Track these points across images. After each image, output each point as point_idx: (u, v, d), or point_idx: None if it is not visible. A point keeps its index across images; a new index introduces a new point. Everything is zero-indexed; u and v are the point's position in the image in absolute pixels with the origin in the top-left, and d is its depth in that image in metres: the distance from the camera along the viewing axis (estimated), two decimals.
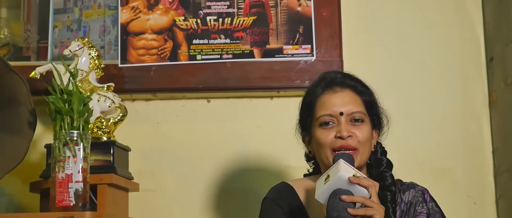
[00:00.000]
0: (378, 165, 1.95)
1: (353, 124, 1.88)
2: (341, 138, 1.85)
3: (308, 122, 1.95)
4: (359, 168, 1.83)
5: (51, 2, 2.69)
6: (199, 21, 2.62)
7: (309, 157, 2.04)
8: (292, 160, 2.58)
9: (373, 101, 1.95)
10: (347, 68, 2.45)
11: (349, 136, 1.86)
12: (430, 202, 1.91)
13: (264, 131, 2.64)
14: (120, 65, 2.59)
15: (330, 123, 1.88)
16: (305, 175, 2.08)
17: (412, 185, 1.95)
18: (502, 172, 2.52)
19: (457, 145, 2.63)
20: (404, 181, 1.98)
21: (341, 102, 1.89)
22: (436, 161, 2.62)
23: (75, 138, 2.09)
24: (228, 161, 2.62)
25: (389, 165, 1.95)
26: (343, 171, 1.69)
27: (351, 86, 1.93)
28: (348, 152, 1.84)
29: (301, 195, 1.93)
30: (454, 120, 2.65)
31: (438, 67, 2.68)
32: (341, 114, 1.87)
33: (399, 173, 2.00)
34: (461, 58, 2.69)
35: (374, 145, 1.95)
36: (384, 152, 1.98)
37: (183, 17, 2.63)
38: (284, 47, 2.60)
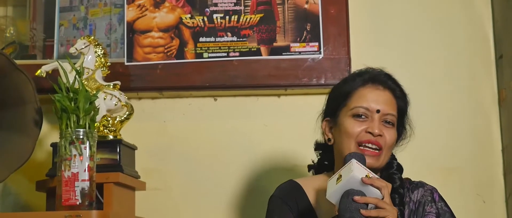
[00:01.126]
0: (387, 167, 1.93)
1: (384, 125, 1.88)
2: (371, 133, 1.84)
3: (338, 109, 1.93)
4: (375, 171, 1.82)
5: (57, 0, 2.68)
6: (205, 18, 2.61)
7: (318, 146, 2.02)
8: (299, 158, 2.57)
9: (405, 110, 1.96)
10: (355, 66, 2.44)
11: (379, 134, 1.85)
12: (439, 201, 1.90)
13: (271, 129, 2.63)
14: (126, 64, 2.58)
15: (363, 117, 1.88)
16: (309, 166, 2.06)
17: (421, 184, 1.94)
18: None
19: (466, 143, 2.62)
20: (412, 180, 1.97)
21: (381, 100, 1.89)
22: (445, 159, 2.61)
23: (81, 137, 2.09)
24: (234, 160, 2.61)
25: (399, 168, 1.95)
26: (356, 171, 1.67)
27: (392, 89, 1.94)
28: (374, 151, 1.84)
29: (309, 194, 1.92)
30: (463, 118, 2.63)
31: (447, 65, 2.66)
32: (378, 111, 1.87)
33: (407, 172, 1.99)
34: (469, 56, 2.67)
35: None
36: (394, 157, 1.97)
37: (189, 15, 2.62)
38: (292, 45, 2.59)
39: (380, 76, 1.94)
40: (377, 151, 1.85)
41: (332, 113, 1.95)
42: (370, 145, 1.84)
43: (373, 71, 1.97)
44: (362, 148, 1.85)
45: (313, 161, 2.07)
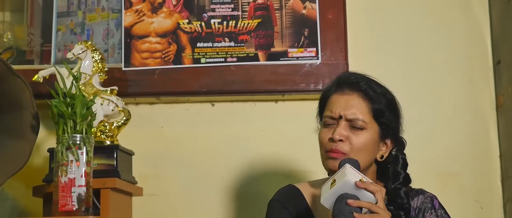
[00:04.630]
0: (394, 178, 1.90)
1: (352, 129, 1.85)
2: (332, 140, 1.83)
3: (320, 119, 1.95)
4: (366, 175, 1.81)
5: (55, 6, 2.68)
6: (203, 24, 2.61)
7: None
8: (297, 164, 2.57)
9: (383, 109, 1.88)
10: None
11: (340, 140, 1.83)
12: (439, 209, 1.89)
13: (269, 134, 2.62)
14: (123, 69, 2.58)
15: (331, 125, 1.87)
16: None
17: (421, 191, 1.94)
18: (510, 176, 2.50)
19: (464, 149, 2.62)
20: (412, 187, 1.96)
21: (345, 105, 1.86)
22: (443, 165, 2.60)
23: (78, 142, 2.08)
24: (232, 165, 2.61)
25: (406, 181, 1.91)
26: (350, 175, 1.68)
27: (361, 91, 1.88)
28: (335, 154, 1.82)
29: (308, 198, 1.92)
30: (461, 123, 2.63)
31: (445, 70, 2.66)
32: (340, 117, 1.85)
33: None
34: (467, 62, 2.67)
35: (383, 155, 1.90)
36: (405, 165, 1.92)
37: (187, 20, 2.62)
38: (289, 50, 2.58)
39: (348, 79, 1.91)
40: (338, 154, 1.82)
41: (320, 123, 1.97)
42: (333, 154, 1.83)
43: (343, 76, 1.95)
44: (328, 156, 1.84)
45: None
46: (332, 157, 1.83)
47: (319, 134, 1.90)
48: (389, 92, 1.92)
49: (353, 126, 1.85)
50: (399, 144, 1.94)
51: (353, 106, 1.86)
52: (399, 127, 1.93)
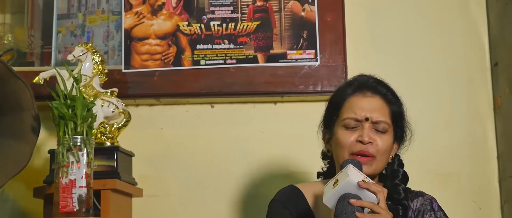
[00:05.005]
0: (393, 176, 1.93)
1: (376, 131, 1.87)
2: (361, 142, 1.85)
3: (333, 120, 1.94)
4: (372, 177, 1.83)
5: (55, 8, 2.69)
6: (202, 26, 2.62)
7: (325, 156, 2.03)
8: (296, 165, 2.58)
9: (400, 113, 1.94)
10: (351, 73, 2.43)
11: (370, 142, 1.85)
12: (438, 211, 1.91)
13: (268, 136, 2.63)
14: (123, 71, 2.59)
15: (354, 127, 1.88)
16: (318, 173, 2.07)
17: (420, 193, 1.95)
18: (507, 177, 2.51)
19: (462, 150, 2.62)
20: (411, 188, 1.97)
21: (369, 108, 1.88)
22: (441, 166, 2.61)
23: (78, 143, 2.09)
24: (232, 167, 2.61)
25: (404, 178, 1.94)
26: (353, 175, 1.69)
27: (382, 94, 1.92)
28: (366, 158, 1.84)
29: (309, 199, 1.93)
30: (459, 125, 2.64)
31: (443, 72, 2.67)
32: (367, 119, 1.86)
33: None
34: (465, 63, 2.68)
35: (392, 157, 1.94)
36: (401, 164, 1.96)
37: (186, 22, 2.63)
38: (288, 52, 2.59)
39: (368, 82, 1.94)
40: (370, 158, 1.85)
41: (328, 124, 1.97)
42: (361, 155, 1.85)
43: (361, 79, 1.97)
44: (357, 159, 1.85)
45: (322, 169, 2.08)
46: (361, 161, 1.83)
47: (338, 134, 1.89)
48: (399, 96, 1.97)
49: (377, 129, 1.87)
50: (399, 147, 1.97)
51: (377, 109, 1.89)
52: (406, 130, 1.97)
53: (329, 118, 1.96)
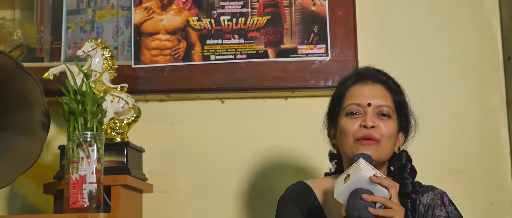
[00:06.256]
0: (401, 170, 1.93)
1: (379, 117, 1.87)
2: (365, 127, 1.84)
3: (335, 112, 1.94)
4: (378, 165, 1.82)
5: (64, 3, 2.68)
6: (212, 21, 2.61)
7: (332, 156, 2.03)
8: (306, 161, 2.57)
9: (403, 101, 1.94)
10: None
11: (373, 126, 1.84)
12: (449, 205, 1.89)
13: (279, 131, 2.62)
14: (133, 66, 2.58)
15: (357, 113, 1.88)
16: (326, 174, 2.06)
17: (431, 188, 1.94)
18: None
19: (474, 146, 2.61)
20: (422, 183, 1.96)
21: (370, 94, 1.89)
22: (453, 161, 2.60)
23: (88, 139, 2.09)
24: (242, 162, 2.61)
25: (413, 172, 1.93)
26: (364, 170, 1.68)
27: (383, 82, 1.93)
28: (370, 141, 1.83)
29: (319, 195, 1.92)
30: (471, 120, 2.62)
31: (454, 66, 2.65)
32: (369, 104, 1.87)
33: None
34: (477, 58, 2.66)
35: (399, 148, 1.94)
36: (409, 159, 1.96)
37: (196, 17, 2.62)
38: (299, 47, 2.58)
39: (367, 72, 1.95)
40: (373, 141, 1.84)
41: (332, 118, 1.97)
42: (367, 140, 1.84)
43: (360, 69, 2.00)
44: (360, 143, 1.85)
45: (330, 169, 2.07)
46: (366, 144, 1.84)
47: (342, 123, 1.89)
48: (401, 86, 1.97)
49: (381, 113, 1.87)
50: (406, 138, 1.97)
51: (379, 95, 1.90)
52: (410, 118, 1.96)
53: (332, 112, 1.97)
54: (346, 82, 1.96)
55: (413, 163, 1.95)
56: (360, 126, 1.85)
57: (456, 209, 1.90)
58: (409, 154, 1.97)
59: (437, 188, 1.95)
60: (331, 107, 1.98)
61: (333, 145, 1.99)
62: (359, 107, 1.88)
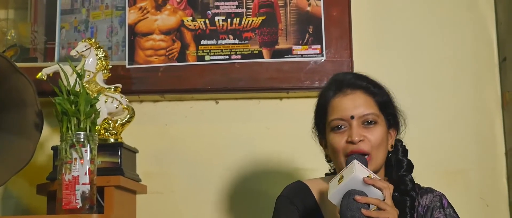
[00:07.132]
0: (398, 166, 1.92)
1: (365, 126, 1.85)
2: (352, 142, 1.83)
3: (321, 126, 1.94)
4: (375, 172, 1.81)
5: (58, 3, 2.68)
6: (207, 21, 2.60)
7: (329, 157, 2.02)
8: (301, 162, 2.56)
9: (387, 101, 1.92)
10: (358, 68, 2.43)
11: (361, 140, 1.83)
12: (448, 208, 1.89)
13: (273, 132, 2.62)
14: (127, 66, 2.58)
15: (342, 127, 1.86)
16: (326, 175, 2.05)
17: (430, 190, 1.94)
18: None
19: (470, 147, 2.60)
20: (421, 185, 1.96)
21: (352, 105, 1.86)
22: (449, 162, 2.59)
23: (82, 140, 2.08)
24: (236, 163, 2.60)
25: (410, 167, 1.92)
26: (358, 171, 1.67)
27: (363, 87, 1.90)
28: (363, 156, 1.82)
29: (316, 195, 1.92)
30: (467, 121, 2.62)
31: (450, 67, 2.65)
32: (352, 117, 1.84)
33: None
34: (473, 59, 2.66)
35: (392, 145, 1.93)
36: (405, 152, 1.95)
37: (191, 18, 2.61)
38: (294, 47, 2.57)
39: (345, 81, 1.91)
40: (366, 157, 1.83)
41: (320, 130, 1.96)
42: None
43: (339, 78, 1.95)
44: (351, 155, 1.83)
45: (330, 170, 2.06)
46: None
47: (330, 140, 1.88)
48: (382, 84, 1.94)
49: (366, 121, 1.85)
50: (397, 132, 1.96)
51: (360, 104, 1.87)
52: (398, 114, 1.95)
53: (319, 122, 1.95)
54: (327, 93, 1.93)
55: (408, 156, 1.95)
56: (346, 141, 1.84)
57: (454, 211, 1.90)
58: (404, 144, 1.96)
59: (436, 190, 1.94)
60: (317, 119, 1.96)
61: (326, 155, 1.98)
62: (343, 121, 1.85)
